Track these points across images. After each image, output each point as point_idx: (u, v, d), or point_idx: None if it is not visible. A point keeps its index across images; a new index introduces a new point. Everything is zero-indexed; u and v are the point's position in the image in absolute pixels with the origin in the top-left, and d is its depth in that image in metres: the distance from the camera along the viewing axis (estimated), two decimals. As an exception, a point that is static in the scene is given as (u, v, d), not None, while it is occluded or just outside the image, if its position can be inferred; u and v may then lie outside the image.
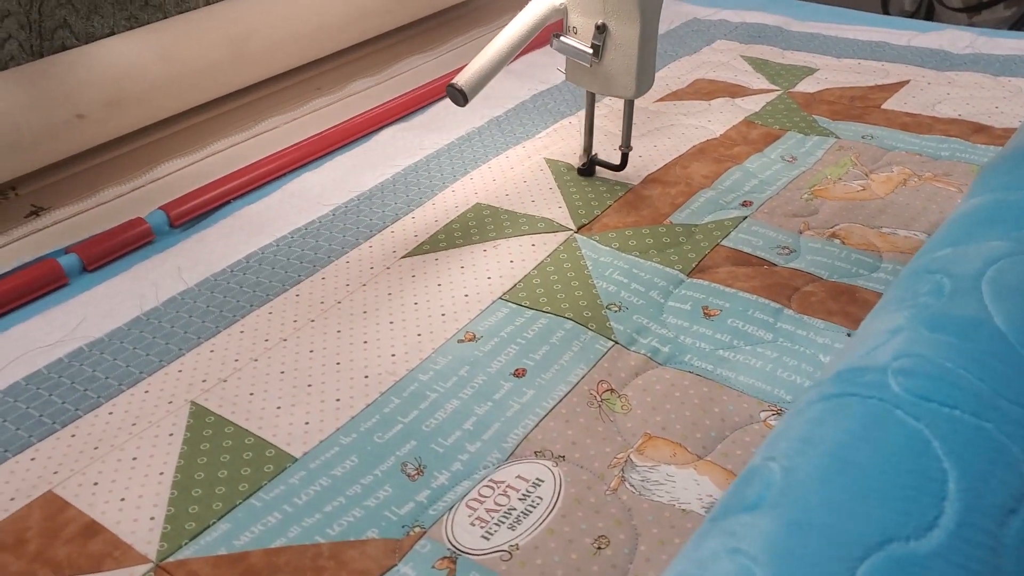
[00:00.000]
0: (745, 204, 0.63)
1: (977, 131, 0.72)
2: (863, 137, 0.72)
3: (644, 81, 0.63)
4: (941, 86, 0.80)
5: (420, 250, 0.62)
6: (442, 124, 0.83)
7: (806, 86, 0.82)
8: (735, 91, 0.82)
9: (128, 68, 0.72)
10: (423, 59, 0.96)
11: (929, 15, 1.79)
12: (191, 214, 0.70)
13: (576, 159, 0.71)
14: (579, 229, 0.62)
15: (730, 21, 0.99)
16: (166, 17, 0.85)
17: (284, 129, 0.83)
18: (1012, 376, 0.32)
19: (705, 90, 0.83)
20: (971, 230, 0.40)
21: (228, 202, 0.72)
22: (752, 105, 0.79)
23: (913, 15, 1.81)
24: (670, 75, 0.87)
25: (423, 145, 0.79)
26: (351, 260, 0.63)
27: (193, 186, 0.73)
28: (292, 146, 0.78)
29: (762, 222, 0.61)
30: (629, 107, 0.66)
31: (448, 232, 0.64)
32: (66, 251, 0.66)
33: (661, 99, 0.81)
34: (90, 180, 0.75)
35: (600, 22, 0.62)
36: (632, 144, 0.69)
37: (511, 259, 0.59)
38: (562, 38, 0.64)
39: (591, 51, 0.62)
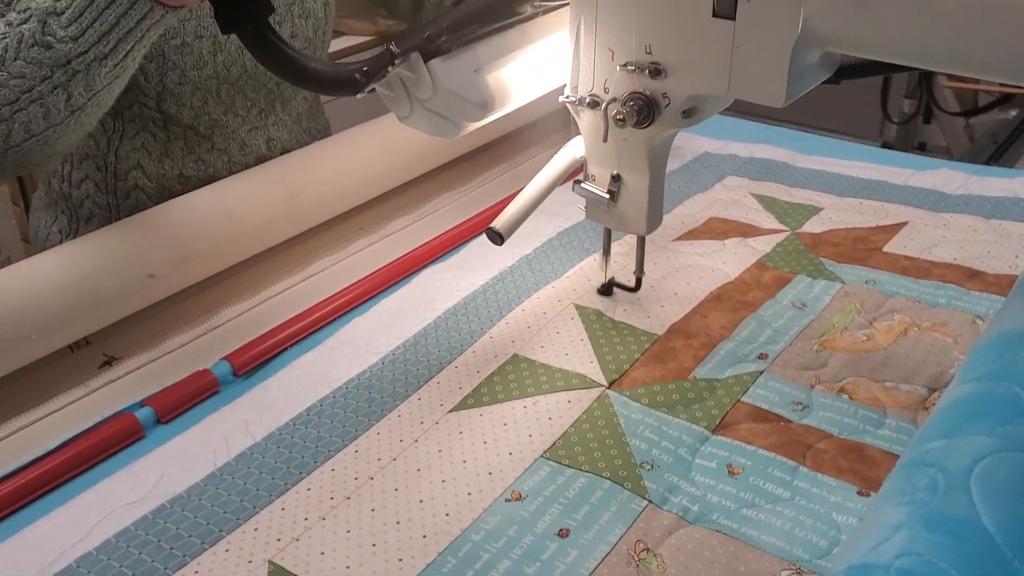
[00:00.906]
0: (761, 357, 0.70)
1: (971, 277, 0.78)
2: (866, 282, 0.79)
3: (654, 220, 0.73)
4: (937, 228, 0.87)
5: (465, 404, 0.68)
6: (475, 264, 0.89)
7: (812, 226, 0.89)
8: (747, 231, 0.89)
9: (195, 229, 0.80)
10: (455, 196, 1.04)
11: (927, 117, 1.88)
12: (252, 363, 0.77)
13: (602, 304, 0.78)
14: (611, 385, 0.68)
15: (739, 156, 1.07)
16: (231, 161, 0.93)
17: (332, 271, 0.90)
18: (997, 577, 0.37)
19: (719, 229, 0.90)
20: (961, 422, 0.46)
21: (285, 350, 0.79)
22: (763, 246, 0.86)
23: (912, 117, 1.90)
24: (686, 212, 0.94)
25: (460, 286, 0.86)
26: (402, 414, 0.69)
27: (250, 332, 0.80)
28: (339, 292, 0.85)
29: (777, 376, 0.68)
30: (641, 240, 0.76)
31: (490, 385, 0.70)
32: (141, 404, 0.72)
33: (678, 238, 0.88)
34: (156, 329, 0.81)
35: (615, 172, 0.71)
36: (654, 287, 0.78)
37: (549, 416, 0.65)
38: (583, 184, 0.73)
39: (608, 196, 0.72)
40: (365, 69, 0.62)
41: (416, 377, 0.73)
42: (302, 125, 1.04)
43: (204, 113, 0.91)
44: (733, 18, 0.57)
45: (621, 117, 0.65)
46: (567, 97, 0.69)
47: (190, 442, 0.68)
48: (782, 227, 0.89)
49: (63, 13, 0.66)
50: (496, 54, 0.66)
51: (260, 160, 0.97)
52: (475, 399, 0.69)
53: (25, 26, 0.67)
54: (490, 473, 0.61)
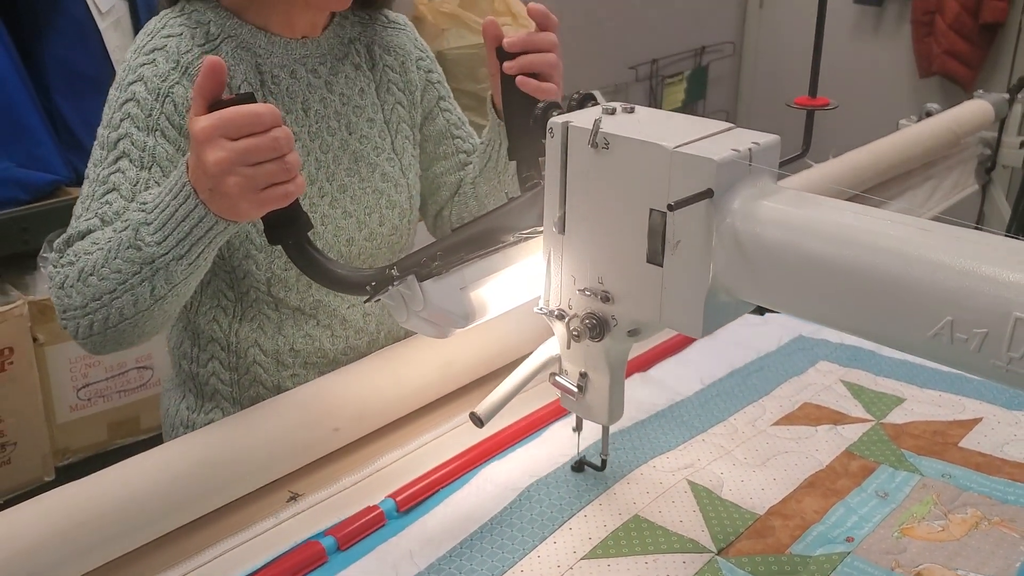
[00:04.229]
0: (848, 539, 0.82)
1: (1038, 477, 0.89)
2: (943, 476, 0.91)
3: (615, 412, 0.85)
4: (1010, 426, 0.99)
5: (595, 554, 0.82)
6: (596, 426, 1.03)
7: (896, 416, 1.02)
8: (837, 418, 1.02)
9: (370, 389, 0.97)
10: (577, 361, 1.19)
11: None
12: (413, 500, 0.91)
13: (711, 483, 0.91)
14: (719, 552, 0.81)
15: (831, 341, 1.20)
16: (333, 335, 1.08)
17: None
18: None
19: (812, 416, 1.03)
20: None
21: (439, 490, 0.94)
22: (851, 434, 0.99)
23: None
24: (782, 395, 1.08)
25: (586, 436, 1.00)
26: (541, 555, 0.82)
27: (408, 474, 0.95)
28: (482, 440, 1.00)
29: (862, 558, 0.80)
30: (605, 429, 0.90)
31: (616, 539, 0.83)
32: (325, 534, 0.87)
33: (776, 423, 1.02)
34: (331, 470, 0.97)
35: (582, 370, 0.83)
36: (756, 472, 0.89)
37: (667, 574, 0.78)
38: (557, 378, 0.86)
39: (577, 389, 0.84)
40: (374, 283, 0.80)
41: (551, 520, 0.86)
42: None
43: (308, 294, 1.08)
44: (661, 265, 0.70)
45: (576, 333, 0.78)
46: (540, 308, 0.82)
47: (366, 568, 0.82)
48: (868, 416, 1.02)
49: (151, 223, 0.84)
50: (480, 274, 0.82)
51: (359, 332, 1.13)
52: (603, 550, 0.82)
53: (123, 234, 0.86)
54: (619, 621, 0.74)
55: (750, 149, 0.68)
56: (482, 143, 1.16)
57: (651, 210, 0.69)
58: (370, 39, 1.14)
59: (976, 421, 1.00)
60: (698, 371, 1.13)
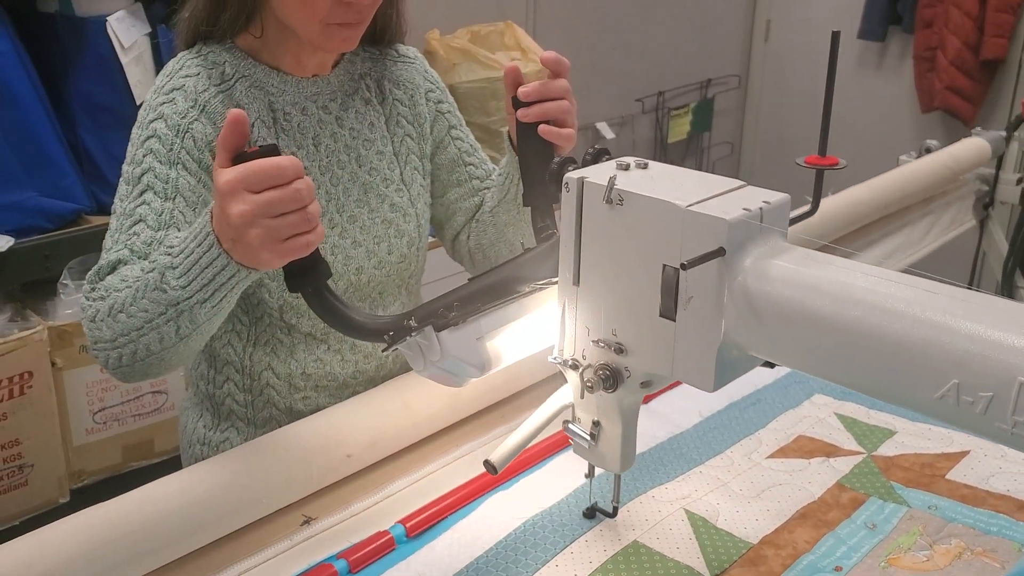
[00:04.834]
0: (837, 569, 0.86)
1: (1021, 508, 0.93)
2: (929, 507, 0.94)
3: (627, 460, 0.86)
4: (996, 459, 1.03)
5: (595, 577, 0.86)
6: (598, 456, 1.08)
7: (887, 449, 1.06)
8: (830, 451, 1.06)
9: (385, 417, 1.01)
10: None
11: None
12: (421, 527, 0.96)
13: (707, 513, 0.95)
14: (713, 578, 0.85)
15: (826, 375, 1.24)
16: (343, 359, 1.12)
17: (478, 452, 1.10)
18: None
19: (806, 448, 1.07)
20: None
21: (447, 516, 0.98)
22: (843, 466, 1.02)
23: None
24: (779, 428, 1.12)
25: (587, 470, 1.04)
26: (543, 580, 0.87)
27: (417, 500, 1.00)
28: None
29: (850, 586, 0.84)
30: (617, 477, 0.91)
31: (615, 563, 0.88)
32: (337, 556, 0.92)
33: (771, 455, 1.06)
34: (343, 495, 1.01)
35: (595, 419, 0.85)
36: (751, 503, 0.93)
37: (664, 599, 0.83)
38: (570, 426, 0.88)
39: (589, 438, 0.86)
40: (391, 333, 0.83)
41: (554, 545, 0.90)
42: None
43: (319, 320, 1.08)
44: (673, 320, 0.71)
45: (591, 385, 0.79)
46: (554, 358, 0.83)
47: (377, 592, 0.87)
48: (860, 449, 1.06)
49: (176, 268, 0.87)
50: (496, 324, 0.84)
51: (367, 357, 1.17)
52: (603, 573, 0.86)
53: (150, 275, 0.89)
54: (617, 643, 0.78)
55: (761, 208, 0.69)
56: (499, 175, 1.20)
57: (664, 266, 0.70)
58: (380, 74, 1.19)
59: (963, 454, 1.04)
60: (697, 403, 1.17)
